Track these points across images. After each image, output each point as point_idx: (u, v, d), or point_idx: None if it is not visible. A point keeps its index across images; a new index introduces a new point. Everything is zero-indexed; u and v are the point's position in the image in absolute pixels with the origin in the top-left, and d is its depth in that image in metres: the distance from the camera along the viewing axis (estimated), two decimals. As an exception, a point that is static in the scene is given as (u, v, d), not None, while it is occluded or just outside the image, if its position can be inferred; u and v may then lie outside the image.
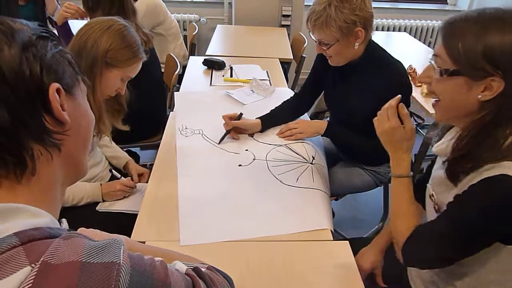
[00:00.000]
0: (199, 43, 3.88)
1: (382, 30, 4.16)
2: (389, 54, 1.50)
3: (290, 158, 1.51)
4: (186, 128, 1.67)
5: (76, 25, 2.32)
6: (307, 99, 1.77)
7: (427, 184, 1.06)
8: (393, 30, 4.18)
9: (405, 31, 4.14)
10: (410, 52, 3.03)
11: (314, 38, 1.45)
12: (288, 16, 3.45)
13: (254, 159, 1.50)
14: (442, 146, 0.96)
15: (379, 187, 1.84)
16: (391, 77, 1.41)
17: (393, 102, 1.05)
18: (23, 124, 0.48)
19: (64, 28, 2.30)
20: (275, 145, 1.59)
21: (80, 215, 1.42)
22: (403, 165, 1.04)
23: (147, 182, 1.52)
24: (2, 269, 0.41)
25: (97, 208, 1.45)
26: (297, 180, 1.39)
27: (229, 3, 3.89)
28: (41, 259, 0.43)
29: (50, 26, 2.83)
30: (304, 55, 2.85)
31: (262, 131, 1.67)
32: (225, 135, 1.60)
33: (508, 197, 0.77)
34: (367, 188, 1.75)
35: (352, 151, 1.70)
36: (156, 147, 1.67)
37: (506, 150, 0.80)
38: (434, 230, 0.91)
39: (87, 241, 0.48)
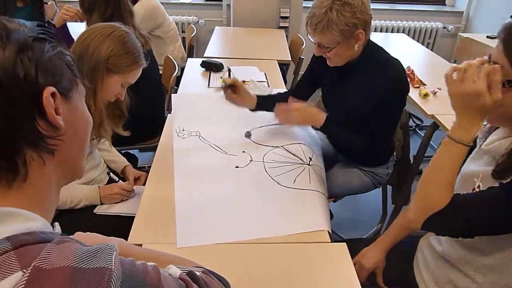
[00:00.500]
0: (197, 45, 3.88)
1: (381, 31, 4.17)
2: (387, 53, 1.50)
3: (287, 160, 1.51)
4: (183, 130, 1.67)
5: (75, 28, 2.33)
6: (302, 95, 1.75)
7: (474, 179, 1.01)
8: (391, 32, 4.18)
9: (403, 32, 4.15)
10: (409, 53, 3.03)
11: (313, 41, 1.45)
12: (286, 17, 3.45)
13: (251, 160, 1.50)
14: (495, 144, 0.94)
15: (377, 189, 1.84)
16: (390, 76, 1.42)
17: (484, 64, 0.86)
18: (15, 128, 0.47)
19: (63, 30, 2.30)
20: (272, 146, 1.59)
21: (78, 218, 1.43)
22: (470, 132, 0.89)
23: (144, 184, 1.52)
24: None
25: (94, 211, 1.45)
26: (294, 181, 1.39)
27: (228, 5, 3.89)
28: (33, 264, 0.42)
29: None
30: (302, 57, 2.85)
31: (253, 110, 1.67)
32: (224, 86, 1.61)
33: None
34: (366, 189, 1.75)
35: (350, 151, 1.69)
36: (154, 149, 1.67)
37: None
38: (486, 196, 0.89)
39: (79, 246, 0.47)
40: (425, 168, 0.98)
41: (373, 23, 4.08)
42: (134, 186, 1.57)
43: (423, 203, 0.96)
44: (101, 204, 1.46)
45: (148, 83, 1.91)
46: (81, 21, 2.23)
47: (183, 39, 3.71)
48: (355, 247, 1.28)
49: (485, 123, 0.99)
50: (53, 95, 0.50)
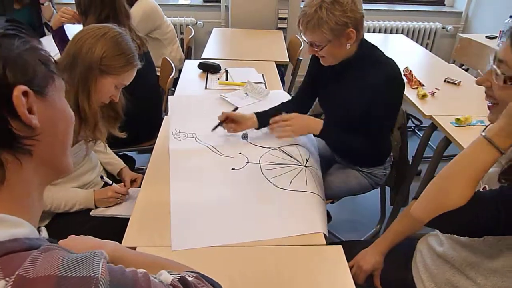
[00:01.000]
0: (196, 47, 3.88)
1: (379, 32, 4.16)
2: (382, 52, 1.50)
3: (283, 161, 1.50)
4: (179, 132, 1.67)
5: (72, 30, 2.33)
6: (305, 101, 1.77)
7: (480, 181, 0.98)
8: (390, 32, 4.18)
9: (402, 33, 4.14)
10: (407, 54, 3.02)
11: (305, 40, 1.45)
12: (284, 18, 3.45)
13: (247, 162, 1.49)
14: None
15: (376, 190, 1.83)
16: (385, 74, 1.41)
17: None
18: None
19: (60, 32, 2.30)
20: (269, 148, 1.58)
21: (74, 220, 1.42)
22: (509, 141, 0.84)
23: (139, 186, 1.51)
24: None
25: (90, 214, 1.44)
26: (291, 183, 1.38)
27: (226, 6, 3.89)
28: (16, 272, 0.42)
29: (46, 30, 2.84)
30: (300, 58, 2.85)
31: (258, 128, 1.65)
32: (218, 124, 1.60)
33: None
34: (363, 190, 1.74)
35: (349, 153, 1.69)
36: (152, 151, 1.67)
37: None
38: (495, 194, 0.86)
39: (65, 254, 0.47)
40: (445, 166, 0.91)
41: (371, 23, 4.14)
42: (130, 188, 1.57)
43: (438, 199, 0.89)
44: (96, 207, 1.45)
45: (144, 84, 1.90)
46: (79, 23, 2.22)
47: (182, 40, 3.71)
48: (353, 249, 1.28)
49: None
50: (25, 93, 0.49)
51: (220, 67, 2.37)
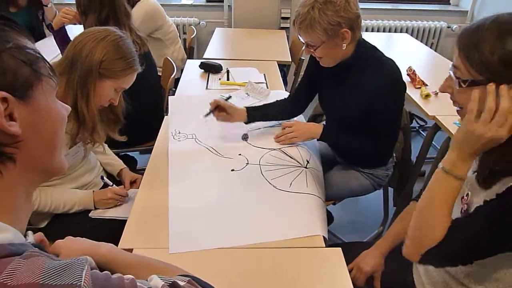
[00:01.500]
0: (199, 47, 3.87)
1: (383, 31, 4.13)
2: (381, 53, 1.48)
3: (284, 162, 1.48)
4: (179, 133, 1.66)
5: (73, 30, 2.33)
6: (301, 100, 1.75)
7: (463, 187, 0.99)
8: (395, 31, 4.14)
9: (406, 32, 4.10)
10: (411, 53, 3.00)
11: (302, 40, 1.45)
12: (287, 18, 3.44)
13: (247, 163, 1.47)
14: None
15: (379, 191, 1.81)
16: (385, 77, 1.40)
17: None
18: None
19: (61, 33, 2.30)
20: (269, 149, 1.56)
21: (73, 221, 1.42)
22: (466, 167, 0.89)
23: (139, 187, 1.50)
24: None
25: (90, 215, 1.44)
26: (291, 185, 1.36)
27: (229, 6, 3.88)
28: None
29: (47, 31, 2.85)
30: (302, 58, 2.83)
31: (247, 122, 1.64)
32: (209, 111, 1.59)
33: None
34: (365, 191, 1.73)
35: (350, 153, 1.67)
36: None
37: None
38: (470, 226, 0.87)
39: (47, 261, 0.46)
40: (420, 198, 0.95)
41: (375, 23, 4.11)
42: (130, 189, 1.56)
43: (419, 237, 0.93)
44: (95, 208, 1.45)
45: (145, 85, 1.89)
46: (80, 23, 2.22)
47: (185, 40, 3.70)
48: (355, 250, 1.27)
49: None
50: (4, 99, 0.47)
51: (221, 67, 2.36)
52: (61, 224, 1.43)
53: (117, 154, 1.78)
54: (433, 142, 2.15)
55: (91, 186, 1.54)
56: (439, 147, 2.02)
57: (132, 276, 0.53)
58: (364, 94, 1.43)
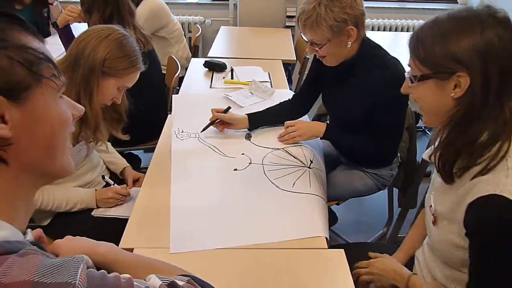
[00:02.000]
0: (204, 45, 3.87)
1: (390, 30, 4.09)
2: (386, 52, 1.46)
3: (287, 162, 1.47)
4: (182, 132, 1.65)
5: (78, 28, 2.33)
6: (305, 100, 1.74)
7: (427, 194, 1.04)
8: (401, 31, 4.10)
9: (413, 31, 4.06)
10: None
11: (305, 39, 1.44)
12: (292, 17, 3.42)
13: (250, 163, 1.46)
14: (430, 151, 0.98)
15: (383, 191, 1.79)
16: (389, 76, 1.38)
17: None
18: None
19: (66, 31, 2.31)
20: (272, 148, 1.55)
21: (75, 220, 1.42)
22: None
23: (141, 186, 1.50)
24: None
25: (92, 214, 1.44)
26: (294, 185, 1.35)
27: (234, 4, 3.87)
28: None
29: (53, 29, 2.85)
30: (308, 56, 2.81)
31: (250, 129, 1.64)
32: (208, 125, 1.59)
33: (505, 220, 0.79)
34: (369, 191, 1.71)
35: (353, 152, 1.66)
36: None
37: (483, 146, 0.83)
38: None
39: (43, 259, 0.45)
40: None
41: (382, 21, 4.08)
42: (132, 188, 1.56)
43: None
44: (98, 207, 1.45)
45: (149, 84, 1.90)
46: (84, 21, 2.23)
47: (190, 39, 3.70)
48: (359, 251, 1.27)
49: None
50: None
51: (225, 65, 2.35)
52: (63, 223, 1.43)
53: (121, 153, 1.78)
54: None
55: (93, 184, 1.54)
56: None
57: (129, 275, 0.53)
58: (368, 93, 1.41)
